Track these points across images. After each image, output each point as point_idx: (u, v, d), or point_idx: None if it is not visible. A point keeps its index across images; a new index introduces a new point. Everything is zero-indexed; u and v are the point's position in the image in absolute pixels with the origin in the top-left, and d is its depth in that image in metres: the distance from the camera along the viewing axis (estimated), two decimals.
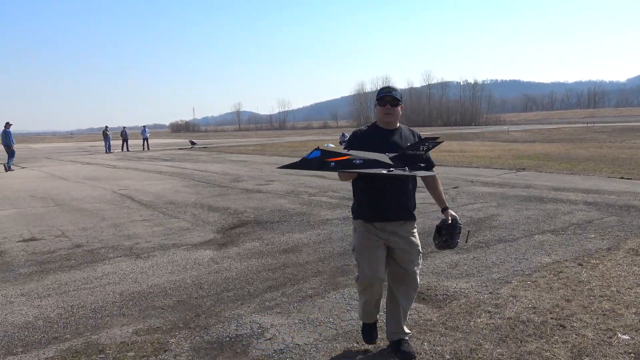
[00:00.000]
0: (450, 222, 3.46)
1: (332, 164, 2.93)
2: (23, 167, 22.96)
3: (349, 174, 3.16)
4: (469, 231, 3.83)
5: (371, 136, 3.39)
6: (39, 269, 6.07)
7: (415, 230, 3.51)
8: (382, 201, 3.35)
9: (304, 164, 3.07)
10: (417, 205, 3.54)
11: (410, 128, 3.58)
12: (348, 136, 3.72)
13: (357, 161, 2.96)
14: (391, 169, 3.02)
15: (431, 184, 3.55)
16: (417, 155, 3.18)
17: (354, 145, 3.35)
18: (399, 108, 3.40)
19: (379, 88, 3.55)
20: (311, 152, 2.97)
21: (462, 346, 3.62)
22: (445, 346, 3.64)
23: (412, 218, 3.48)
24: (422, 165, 3.28)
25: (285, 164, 3.15)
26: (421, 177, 3.32)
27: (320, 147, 3.03)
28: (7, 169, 21.43)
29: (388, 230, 3.39)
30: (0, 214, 10.15)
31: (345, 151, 3.02)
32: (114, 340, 3.97)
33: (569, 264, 5.53)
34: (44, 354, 3.77)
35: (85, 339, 4.00)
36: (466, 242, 3.71)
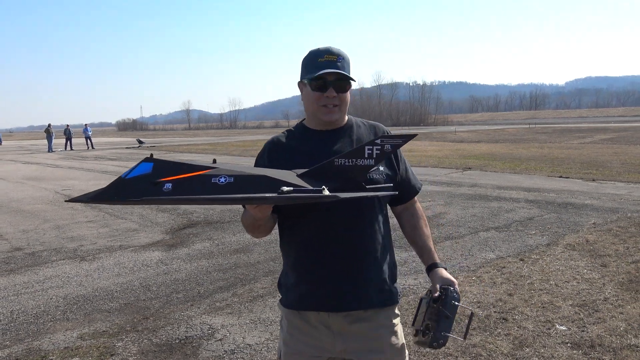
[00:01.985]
0: (439, 294, 1.85)
1: (168, 186, 1.47)
2: None
3: (206, 202, 1.53)
4: (471, 314, 2.02)
5: (296, 148, 1.92)
6: None
7: (397, 323, 2.02)
8: (326, 266, 1.84)
9: (116, 191, 1.50)
10: (397, 265, 2.05)
11: (371, 122, 2.08)
12: None
13: (221, 180, 1.47)
14: (290, 189, 1.46)
15: (408, 220, 2.07)
16: (359, 168, 1.58)
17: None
18: (348, 93, 1.89)
19: (309, 51, 1.91)
20: (136, 166, 1.52)
21: (409, 341, 3.70)
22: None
23: (391, 301, 1.96)
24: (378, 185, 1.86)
25: (84, 194, 1.54)
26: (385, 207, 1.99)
27: (155, 157, 1.56)
28: None
29: (340, 330, 1.88)
30: None
31: (205, 164, 1.56)
32: (57, 345, 3.83)
33: (511, 259, 5.76)
34: None
35: (26, 345, 3.85)
36: (465, 336, 1.96)
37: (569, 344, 3.63)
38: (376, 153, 1.53)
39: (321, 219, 1.81)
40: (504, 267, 5.45)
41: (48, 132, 35.03)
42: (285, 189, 1.43)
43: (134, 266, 5.95)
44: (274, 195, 1.41)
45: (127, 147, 36.30)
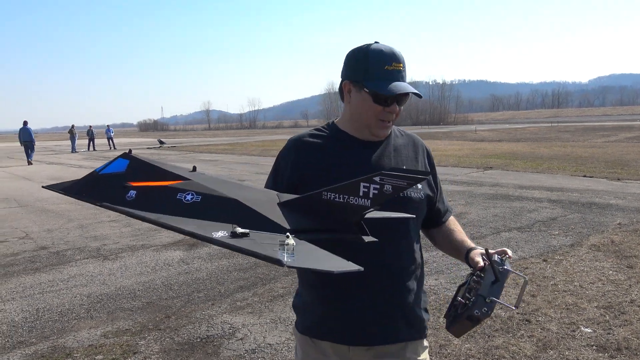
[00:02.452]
0: (484, 262, 1.58)
1: (132, 194, 1.30)
2: None
3: (157, 224, 1.23)
4: (525, 282, 1.65)
5: (330, 151, 1.72)
6: (2, 271, 5.90)
7: (425, 357, 1.79)
8: (349, 292, 1.65)
9: (85, 186, 1.38)
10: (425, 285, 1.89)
11: (409, 133, 1.89)
12: None
13: (188, 197, 1.26)
14: (245, 232, 1.13)
15: (441, 235, 1.89)
16: (350, 208, 1.27)
17: (280, 176, 1.76)
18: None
19: (364, 50, 1.63)
20: (114, 161, 1.41)
21: (431, 342, 3.68)
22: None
23: (420, 334, 1.76)
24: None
25: (60, 182, 1.47)
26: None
27: (133, 153, 1.43)
28: (30, 163, 23.27)
29: None
30: None
31: (182, 172, 1.37)
32: (82, 343, 3.89)
33: (534, 260, 5.68)
34: (8, 358, 3.68)
35: (51, 343, 3.92)
36: (517, 304, 1.59)
37: (594, 347, 3.56)
38: (373, 193, 1.21)
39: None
40: (527, 268, 5.38)
41: (71, 133, 35.64)
42: (239, 230, 1.09)
43: (155, 265, 6.02)
44: (218, 237, 1.08)
45: (148, 148, 36.74)
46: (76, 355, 3.70)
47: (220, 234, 1.10)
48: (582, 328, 3.86)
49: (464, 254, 1.71)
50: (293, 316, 4.25)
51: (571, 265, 5.45)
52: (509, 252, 1.64)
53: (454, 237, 1.84)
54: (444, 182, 12.71)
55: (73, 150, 34.29)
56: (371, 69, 1.60)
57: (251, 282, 5.26)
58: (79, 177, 1.42)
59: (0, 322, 4.36)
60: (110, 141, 37.92)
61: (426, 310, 1.78)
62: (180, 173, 1.32)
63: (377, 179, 1.19)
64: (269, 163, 19.09)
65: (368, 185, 1.21)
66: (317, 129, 1.82)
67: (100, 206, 1.29)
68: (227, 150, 31.18)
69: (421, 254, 1.79)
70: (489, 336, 3.76)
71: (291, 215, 1.26)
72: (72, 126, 36.15)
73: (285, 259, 0.98)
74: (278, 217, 1.23)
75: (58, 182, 1.45)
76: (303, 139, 1.77)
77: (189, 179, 1.30)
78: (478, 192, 10.84)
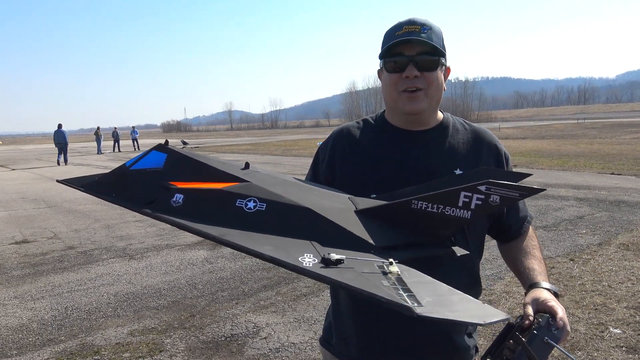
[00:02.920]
0: (529, 323, 1.24)
1: (179, 198, 1.09)
2: (13, 169, 22.79)
3: (221, 243, 1.01)
4: None
5: (369, 147, 1.52)
6: (32, 271, 6.04)
7: None
8: (396, 326, 1.43)
9: (115, 185, 1.18)
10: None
11: (475, 127, 1.59)
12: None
13: (250, 204, 1.07)
14: (340, 258, 0.95)
15: (515, 251, 1.60)
16: (447, 220, 1.10)
17: (317, 170, 1.63)
18: (439, 74, 1.44)
19: (390, 27, 1.46)
20: (146, 154, 1.19)
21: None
22: None
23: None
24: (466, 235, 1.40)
25: (80, 177, 1.26)
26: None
27: (171, 145, 1.22)
28: (63, 162, 24.65)
29: None
30: None
31: (233, 170, 1.17)
32: (109, 341, 3.96)
33: (560, 259, 5.59)
34: (38, 356, 3.76)
35: (80, 341, 4.00)
36: None
37: (624, 348, 3.48)
38: (476, 204, 1.01)
39: None
40: (553, 268, 5.29)
41: (97, 134, 36.30)
42: (333, 256, 0.92)
43: (180, 265, 6.09)
44: (309, 267, 0.90)
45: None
46: (104, 353, 3.77)
47: (308, 259, 0.92)
48: (611, 329, 3.78)
49: (526, 288, 1.43)
50: (316, 316, 4.28)
51: (599, 264, 5.34)
52: (560, 312, 1.22)
53: (521, 260, 1.52)
54: None
55: (99, 151, 34.91)
56: (384, 43, 1.45)
57: (274, 282, 5.29)
58: (103, 173, 1.20)
59: (30, 320, 4.47)
60: (135, 142, 38.50)
61: (470, 335, 1.56)
62: (232, 172, 1.12)
63: (482, 188, 1.02)
64: (291, 163, 19.08)
65: (470, 194, 1.03)
66: (364, 120, 1.63)
67: (142, 213, 1.06)
68: (249, 150, 31.38)
69: (476, 273, 1.56)
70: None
71: (373, 227, 1.08)
72: (98, 128, 36.81)
73: (415, 307, 0.80)
74: (360, 230, 1.06)
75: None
76: (344, 131, 1.60)
77: (246, 181, 1.09)
78: None
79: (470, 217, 1.05)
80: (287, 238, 1.00)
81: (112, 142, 37.77)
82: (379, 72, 1.52)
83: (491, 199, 1.03)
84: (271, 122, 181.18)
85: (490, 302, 4.35)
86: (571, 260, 5.54)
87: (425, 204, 1.07)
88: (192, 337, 3.98)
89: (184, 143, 41.47)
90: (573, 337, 3.65)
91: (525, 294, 1.39)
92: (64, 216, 9.81)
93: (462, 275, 1.43)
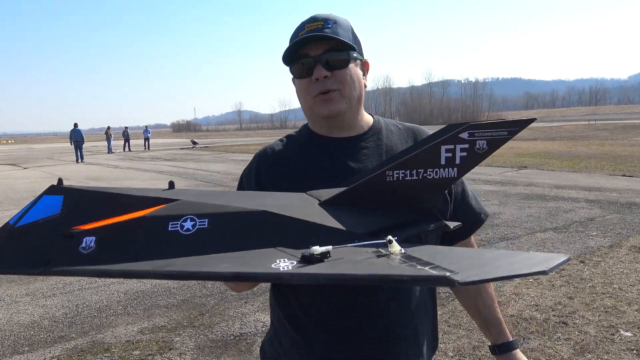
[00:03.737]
0: None
1: (89, 241, 0.82)
2: (25, 168, 23.02)
3: (163, 277, 0.79)
4: None
5: (295, 162, 1.38)
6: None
7: None
8: (343, 328, 1.27)
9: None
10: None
11: (408, 125, 1.49)
12: None
13: (187, 224, 0.84)
14: (325, 250, 0.77)
15: (467, 291, 1.56)
16: (430, 184, 0.90)
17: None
18: (353, 70, 1.31)
19: (294, 30, 1.34)
20: (35, 202, 0.90)
21: (465, 343, 3.64)
22: (449, 343, 3.66)
23: None
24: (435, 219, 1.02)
25: None
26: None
27: (68, 184, 0.94)
28: (81, 159, 25.67)
29: None
30: (3, 214, 10.18)
31: (154, 193, 0.92)
32: (119, 339, 4.00)
33: (571, 261, 5.55)
34: (49, 352, 3.81)
35: (90, 338, 4.03)
36: None
37: (634, 352, 3.46)
38: (460, 156, 0.85)
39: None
40: (563, 269, 5.26)
41: (107, 134, 36.57)
42: (318, 250, 0.74)
43: None
44: (295, 271, 0.72)
45: (181, 148, 37.40)
46: (114, 350, 3.80)
47: (283, 264, 0.74)
48: (622, 332, 3.76)
49: (495, 344, 1.45)
50: None
51: (610, 267, 5.31)
52: None
53: (483, 305, 1.47)
54: (477, 182, 12.52)
55: (109, 150, 35.16)
56: (289, 46, 1.31)
57: None
58: None
59: (42, 317, 4.52)
60: (147, 142, 38.72)
61: (436, 345, 1.46)
62: (155, 195, 0.89)
63: (464, 135, 0.84)
64: None
65: (452, 147, 0.85)
66: (287, 135, 1.49)
67: (41, 274, 0.83)
68: (259, 150, 31.46)
69: (434, 288, 1.45)
70: (524, 338, 3.69)
71: (347, 216, 0.90)
72: (108, 128, 37.09)
73: (450, 275, 0.65)
74: (333, 221, 0.88)
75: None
76: (268, 150, 1.44)
77: (175, 199, 0.87)
78: (512, 192, 10.64)
79: (457, 175, 0.88)
80: (245, 251, 0.81)
81: (122, 142, 38.01)
82: (292, 80, 1.38)
83: (477, 146, 0.85)
84: (280, 122, 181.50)
85: (499, 304, 4.33)
86: (582, 262, 5.50)
87: (402, 173, 0.88)
88: (201, 336, 4.00)
89: (194, 143, 41.63)
90: (583, 340, 3.63)
91: (496, 351, 1.44)
92: None
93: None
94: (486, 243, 6.46)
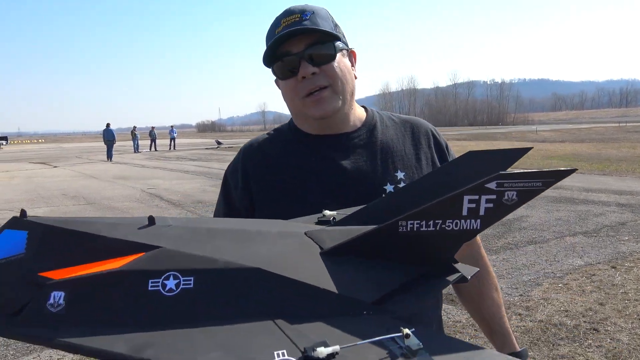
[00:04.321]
0: None
1: (57, 297, 0.67)
2: (55, 167, 23.55)
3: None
4: None
5: (283, 161, 1.30)
6: None
7: None
8: None
9: None
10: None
11: (405, 117, 1.40)
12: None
13: (169, 283, 0.69)
14: (333, 351, 0.60)
15: (475, 288, 1.40)
16: (449, 237, 0.78)
17: (231, 195, 1.34)
18: (341, 61, 1.22)
19: (269, 27, 1.24)
20: None
21: (492, 348, 3.58)
22: None
23: None
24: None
25: None
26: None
27: (31, 216, 0.75)
28: (109, 159, 26.64)
29: None
30: (34, 211, 10.43)
31: (132, 231, 0.76)
32: None
33: (602, 266, 5.42)
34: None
35: None
36: None
37: None
38: (486, 208, 0.74)
39: None
40: (594, 275, 5.14)
41: (133, 134, 37.18)
42: (323, 352, 0.60)
43: None
44: None
45: (206, 148, 37.80)
46: None
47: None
48: None
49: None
50: None
51: None
52: None
53: (489, 313, 1.37)
54: None
55: (136, 150, 35.74)
56: (266, 45, 1.22)
57: None
58: None
59: None
60: (172, 142, 39.26)
61: None
62: (132, 237, 0.74)
63: (492, 185, 0.73)
64: None
65: (477, 198, 0.74)
66: (276, 129, 1.38)
67: (3, 335, 0.69)
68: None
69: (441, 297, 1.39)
70: (553, 344, 3.61)
71: (354, 274, 0.78)
72: (134, 127, 37.71)
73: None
74: (338, 283, 0.76)
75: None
76: (254, 144, 1.34)
77: (156, 246, 0.73)
78: (540, 194, 10.44)
79: (480, 227, 0.77)
80: (236, 325, 0.68)
81: (148, 141, 38.60)
82: (275, 81, 1.27)
83: (505, 198, 0.74)
84: None
85: (527, 309, 4.25)
86: (613, 267, 5.36)
87: (417, 223, 0.77)
88: None
89: (219, 143, 42.03)
90: (615, 347, 3.54)
91: None
92: (102, 213, 10.07)
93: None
94: (513, 247, 6.36)
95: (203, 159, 26.49)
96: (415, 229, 0.77)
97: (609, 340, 3.66)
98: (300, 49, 1.15)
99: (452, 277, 0.83)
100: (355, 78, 1.27)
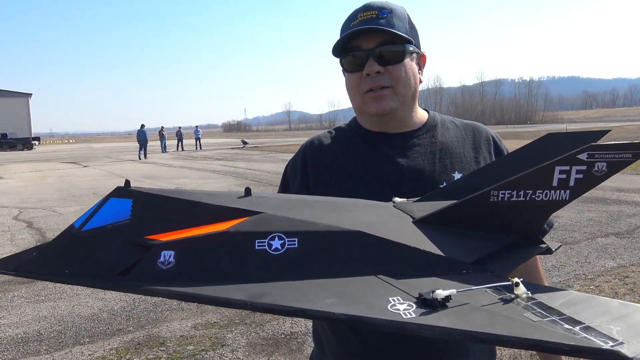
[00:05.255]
0: None
1: (168, 256, 0.74)
2: (85, 166, 24.05)
3: (256, 309, 0.69)
4: None
5: (342, 157, 1.32)
6: None
7: None
8: (391, 336, 1.18)
9: (61, 258, 0.79)
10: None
11: (468, 122, 1.42)
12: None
13: (275, 243, 0.75)
14: (449, 294, 0.67)
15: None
16: (538, 207, 0.82)
17: (289, 189, 1.39)
18: (408, 64, 1.23)
19: (346, 18, 1.26)
20: (102, 205, 0.83)
21: (521, 351, 3.52)
22: (504, 350, 3.55)
23: None
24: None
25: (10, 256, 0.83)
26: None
27: (135, 187, 0.84)
28: (144, 157, 28.13)
29: None
30: (66, 210, 10.67)
31: (231, 201, 0.82)
32: (174, 333, 4.10)
33: (635, 268, 5.28)
34: (109, 344, 3.94)
35: (147, 332, 4.16)
36: None
37: None
38: (576, 179, 0.77)
39: None
40: (627, 277, 5.01)
41: (161, 134, 37.71)
42: (441, 293, 0.65)
43: None
44: (419, 321, 0.63)
45: (232, 148, 38.09)
46: (169, 344, 3.90)
47: (400, 306, 0.66)
48: None
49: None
50: None
51: None
52: None
53: None
54: None
55: (163, 149, 36.25)
56: (341, 37, 1.24)
57: None
58: (43, 244, 0.83)
59: (101, 310, 4.69)
60: (198, 142, 39.70)
61: None
62: (234, 204, 0.80)
63: (583, 156, 0.76)
64: None
65: (568, 168, 0.77)
66: (337, 127, 1.43)
67: (118, 290, 0.76)
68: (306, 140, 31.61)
69: None
70: None
71: (449, 239, 0.83)
72: (162, 127, 38.24)
73: (617, 347, 0.57)
74: (435, 246, 0.81)
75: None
76: (315, 141, 1.37)
77: (258, 212, 0.78)
78: None
79: (570, 198, 0.80)
80: (344, 279, 0.73)
81: (175, 141, 39.11)
82: (342, 71, 1.29)
83: (595, 169, 0.77)
84: (329, 122, 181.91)
85: None
86: None
87: (508, 193, 0.80)
88: (252, 333, 4.05)
89: (244, 143, 42.33)
90: None
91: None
92: None
93: None
94: None
95: (229, 158, 26.72)
96: (506, 199, 0.81)
97: None
98: (371, 46, 1.18)
99: (539, 248, 0.88)
100: (421, 82, 1.28)
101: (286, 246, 0.75)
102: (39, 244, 0.87)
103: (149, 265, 0.74)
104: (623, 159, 0.77)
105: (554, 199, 0.80)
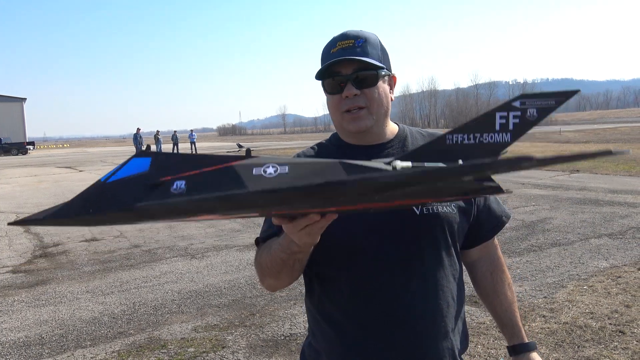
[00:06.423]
0: None
1: (179, 184, 0.90)
2: (80, 171, 24.02)
3: (261, 210, 1.08)
4: None
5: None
6: (102, 267, 6.39)
7: None
8: (372, 336, 1.36)
9: (90, 202, 0.93)
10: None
11: (432, 132, 1.58)
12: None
13: (269, 169, 0.91)
14: (407, 165, 0.95)
15: (485, 274, 1.58)
16: (485, 148, 0.97)
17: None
18: (381, 87, 1.40)
19: (325, 45, 1.45)
20: (125, 163, 0.97)
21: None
22: (500, 349, 3.62)
23: None
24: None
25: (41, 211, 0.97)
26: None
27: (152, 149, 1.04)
28: None
29: None
30: None
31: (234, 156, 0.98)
32: (175, 336, 4.15)
33: (628, 268, 5.37)
34: (110, 347, 4.00)
35: (148, 335, 4.21)
36: None
37: None
38: (513, 123, 0.94)
39: (363, 268, 1.35)
40: (620, 277, 5.10)
41: (156, 138, 37.70)
42: (400, 164, 0.91)
43: (239, 265, 6.27)
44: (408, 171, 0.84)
45: (227, 151, 38.12)
46: (170, 347, 3.96)
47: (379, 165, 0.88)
48: None
49: (510, 345, 1.53)
50: None
51: None
52: None
53: (501, 308, 1.55)
54: (527, 186, 12.22)
55: None
56: (321, 62, 1.41)
57: None
58: (71, 198, 0.96)
59: (102, 314, 4.74)
60: (193, 145, 39.71)
61: (465, 350, 1.51)
62: (235, 155, 0.99)
63: (516, 103, 0.93)
64: None
65: (506, 114, 0.94)
66: (318, 143, 1.59)
67: (137, 209, 0.86)
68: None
69: (460, 287, 1.47)
70: (578, 346, 3.61)
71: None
72: (157, 132, 38.24)
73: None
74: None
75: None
76: (299, 157, 1.49)
77: (255, 156, 0.96)
78: (564, 196, 10.35)
79: (510, 140, 0.96)
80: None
81: (171, 145, 39.09)
82: (324, 91, 1.46)
83: (528, 114, 0.94)
84: (324, 125, 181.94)
85: (552, 311, 4.25)
86: (639, 269, 5.31)
87: (460, 137, 0.96)
88: (252, 335, 4.11)
89: (240, 146, 42.33)
90: None
91: (511, 352, 1.51)
92: None
93: (452, 284, 1.42)
94: (537, 249, 6.33)
95: None
96: (459, 142, 0.96)
97: (635, 342, 3.65)
98: (349, 72, 1.35)
99: (489, 185, 0.98)
100: (392, 100, 1.46)
101: (278, 172, 0.90)
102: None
103: (162, 193, 0.88)
104: (549, 106, 0.92)
105: (497, 141, 0.95)
